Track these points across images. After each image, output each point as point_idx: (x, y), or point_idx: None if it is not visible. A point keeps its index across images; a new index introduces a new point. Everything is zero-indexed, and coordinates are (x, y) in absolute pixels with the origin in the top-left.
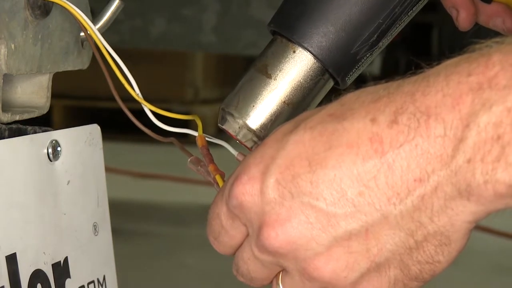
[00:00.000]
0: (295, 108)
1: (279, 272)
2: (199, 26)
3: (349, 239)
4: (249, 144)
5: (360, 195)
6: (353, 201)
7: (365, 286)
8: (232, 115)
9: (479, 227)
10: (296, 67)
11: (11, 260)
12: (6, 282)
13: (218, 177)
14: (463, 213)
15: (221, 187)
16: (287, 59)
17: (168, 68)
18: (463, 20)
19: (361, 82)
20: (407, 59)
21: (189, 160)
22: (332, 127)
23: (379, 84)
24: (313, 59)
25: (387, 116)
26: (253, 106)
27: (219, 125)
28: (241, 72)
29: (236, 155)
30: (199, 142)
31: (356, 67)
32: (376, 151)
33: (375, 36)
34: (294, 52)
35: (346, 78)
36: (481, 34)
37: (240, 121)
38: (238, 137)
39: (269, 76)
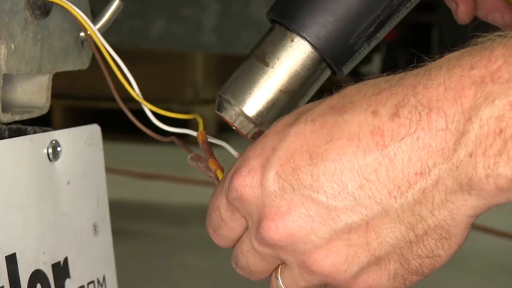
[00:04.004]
0: (291, 97)
1: (278, 266)
2: (199, 26)
3: (349, 232)
4: (245, 131)
5: (360, 188)
6: (354, 194)
7: (365, 280)
8: (229, 102)
9: (479, 227)
10: (294, 56)
11: (11, 260)
12: (5, 282)
13: (218, 172)
14: (464, 207)
15: (221, 180)
16: (285, 47)
17: (168, 68)
18: (462, 13)
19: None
20: (407, 59)
21: (189, 156)
22: (333, 119)
23: (380, 77)
24: (311, 49)
25: (389, 109)
26: (250, 93)
27: (216, 111)
28: None
29: (236, 156)
30: (199, 138)
31: (353, 57)
32: (377, 144)
33: (373, 27)
34: (292, 41)
35: (343, 68)
36: (480, 30)
37: (237, 108)
38: (235, 124)
39: (266, 64)
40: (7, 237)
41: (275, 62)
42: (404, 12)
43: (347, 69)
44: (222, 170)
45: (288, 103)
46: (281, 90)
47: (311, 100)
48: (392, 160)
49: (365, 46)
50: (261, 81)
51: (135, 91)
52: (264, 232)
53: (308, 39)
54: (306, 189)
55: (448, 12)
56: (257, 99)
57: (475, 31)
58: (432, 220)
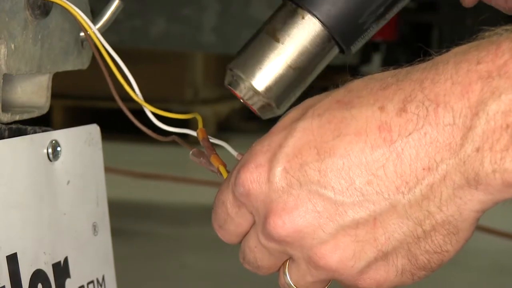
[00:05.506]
0: (300, 73)
1: (286, 261)
2: (199, 26)
3: (357, 228)
4: (253, 105)
5: (368, 184)
6: (361, 190)
7: (372, 275)
8: (239, 76)
9: (479, 227)
10: (304, 33)
11: (12, 260)
12: (7, 281)
13: (221, 168)
14: (471, 202)
15: (225, 176)
16: (296, 25)
17: (168, 68)
18: None
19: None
20: (407, 58)
21: (191, 152)
22: (340, 114)
23: (386, 70)
24: (321, 26)
25: (396, 104)
26: (260, 68)
27: (225, 84)
28: None
29: (236, 155)
30: (199, 135)
31: (362, 36)
32: (384, 140)
33: (383, 7)
34: (303, 18)
35: (352, 47)
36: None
37: (247, 83)
38: (244, 98)
39: (277, 40)
40: (7, 237)
41: (285, 39)
42: None
43: (355, 47)
44: (225, 165)
45: (296, 79)
46: (290, 66)
47: (315, 93)
48: (399, 155)
49: (374, 26)
50: (271, 56)
51: (135, 92)
52: (271, 228)
53: (319, 17)
54: (314, 184)
55: (448, 12)
56: (267, 74)
57: (475, 32)
58: (440, 215)
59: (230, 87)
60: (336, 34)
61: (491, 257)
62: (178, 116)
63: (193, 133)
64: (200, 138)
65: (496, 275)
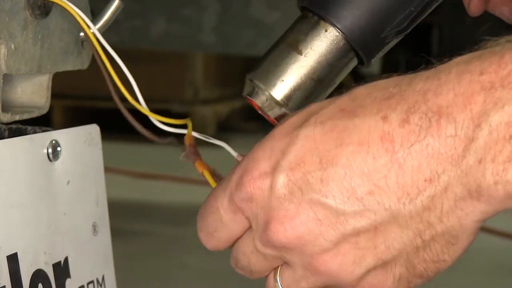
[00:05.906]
0: (321, 85)
1: (277, 266)
2: (199, 26)
3: (357, 236)
4: (272, 116)
5: (370, 194)
6: (363, 200)
7: (370, 282)
8: (259, 87)
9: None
10: (327, 46)
11: (12, 260)
12: (7, 281)
13: (205, 172)
14: (473, 213)
15: (210, 180)
16: (319, 37)
17: (168, 68)
18: (474, 6)
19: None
20: (407, 59)
21: (182, 154)
22: (343, 123)
23: (390, 77)
24: (343, 40)
25: (399, 114)
26: (282, 80)
27: (243, 95)
28: (241, 72)
29: (235, 156)
30: (186, 141)
31: (383, 50)
32: (387, 150)
33: (406, 22)
34: (326, 31)
35: (372, 60)
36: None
37: (267, 93)
38: (263, 108)
39: (299, 52)
40: (8, 236)
41: (308, 51)
42: (434, 6)
43: (375, 60)
44: (209, 170)
45: (316, 90)
46: (312, 78)
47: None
48: (401, 166)
49: (394, 39)
50: (293, 68)
51: (136, 94)
52: (273, 234)
53: (343, 31)
54: (315, 193)
55: (448, 12)
56: (288, 85)
57: (473, 32)
58: (440, 226)
59: (248, 97)
60: (358, 48)
61: (491, 257)
62: (170, 121)
63: (192, 133)
64: (187, 144)
65: (496, 275)
